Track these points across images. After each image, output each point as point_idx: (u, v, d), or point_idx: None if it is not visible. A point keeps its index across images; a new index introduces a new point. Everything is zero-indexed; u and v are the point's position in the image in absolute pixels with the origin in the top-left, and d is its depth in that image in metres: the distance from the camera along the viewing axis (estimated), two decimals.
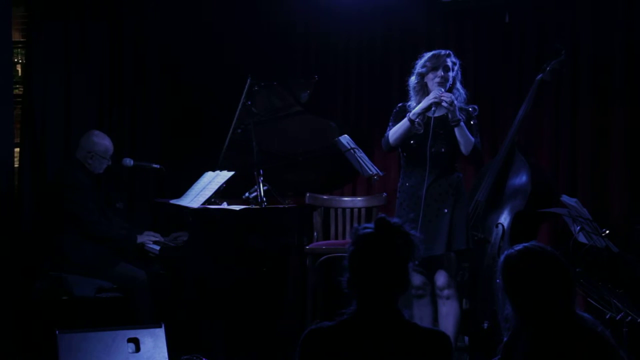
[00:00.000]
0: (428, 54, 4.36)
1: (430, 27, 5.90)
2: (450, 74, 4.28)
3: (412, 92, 4.40)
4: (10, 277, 5.30)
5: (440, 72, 4.26)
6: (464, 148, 4.26)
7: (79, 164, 5.00)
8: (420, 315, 4.37)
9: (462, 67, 5.43)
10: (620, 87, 5.45)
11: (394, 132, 4.34)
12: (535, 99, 5.04)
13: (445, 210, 4.24)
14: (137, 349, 4.08)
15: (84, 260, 4.85)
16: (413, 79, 4.38)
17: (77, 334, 4.03)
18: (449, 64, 4.29)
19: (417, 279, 4.34)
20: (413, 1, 5.88)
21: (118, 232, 4.99)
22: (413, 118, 4.25)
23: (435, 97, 4.20)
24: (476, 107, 4.42)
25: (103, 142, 5.05)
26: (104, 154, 5.04)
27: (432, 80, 4.28)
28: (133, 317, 4.76)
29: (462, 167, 4.59)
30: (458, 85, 4.34)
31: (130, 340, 4.10)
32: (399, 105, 4.47)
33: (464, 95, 4.37)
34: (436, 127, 4.25)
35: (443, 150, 4.27)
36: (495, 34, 5.75)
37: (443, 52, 4.32)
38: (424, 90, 4.33)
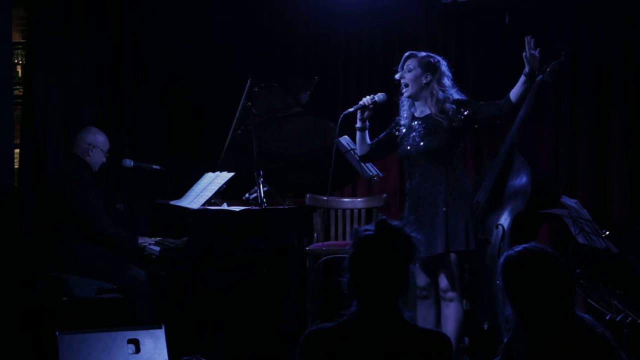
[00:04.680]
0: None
1: (430, 28, 5.91)
2: (408, 74, 4.27)
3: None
4: (11, 277, 5.30)
5: (397, 75, 4.31)
6: (514, 95, 4.19)
7: (80, 160, 5.03)
8: (424, 316, 4.37)
9: (462, 68, 5.44)
10: (620, 87, 5.45)
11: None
12: (536, 100, 5.03)
13: (443, 209, 4.22)
14: (137, 350, 4.09)
15: (86, 260, 4.85)
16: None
17: (77, 335, 4.04)
18: (407, 64, 4.29)
19: (421, 280, 4.33)
20: (413, 1, 5.89)
21: (120, 230, 4.99)
22: (358, 125, 4.38)
23: (363, 101, 4.30)
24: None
25: (102, 136, 5.14)
26: (103, 146, 5.12)
27: None
28: (133, 318, 4.76)
29: (462, 167, 4.58)
30: (435, 86, 4.25)
31: (130, 341, 4.10)
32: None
33: (452, 93, 4.31)
34: (421, 126, 4.26)
35: (432, 146, 4.24)
36: (495, 35, 5.75)
37: (408, 53, 4.34)
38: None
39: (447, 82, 4.30)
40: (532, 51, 4.13)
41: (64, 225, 4.91)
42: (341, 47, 6.12)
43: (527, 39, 4.14)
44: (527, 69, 4.15)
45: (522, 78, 4.17)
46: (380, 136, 4.46)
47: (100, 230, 4.90)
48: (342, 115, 4.35)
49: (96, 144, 5.07)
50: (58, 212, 4.95)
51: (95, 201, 4.95)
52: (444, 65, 4.31)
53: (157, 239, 5.04)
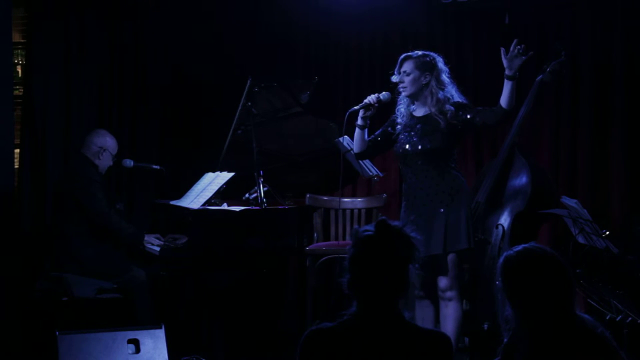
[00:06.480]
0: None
1: (430, 28, 5.90)
2: (407, 78, 4.27)
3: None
4: (11, 277, 5.30)
5: (395, 78, 4.31)
6: (505, 102, 4.16)
7: (89, 161, 5.04)
8: (422, 316, 4.37)
9: (462, 68, 5.43)
10: (619, 87, 5.46)
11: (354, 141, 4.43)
12: (536, 100, 5.03)
13: (442, 210, 4.21)
14: (137, 350, 4.09)
15: (86, 260, 4.85)
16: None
17: (77, 335, 4.03)
18: (403, 67, 4.29)
19: (419, 281, 4.33)
20: (413, 1, 5.89)
21: (126, 225, 4.99)
22: (359, 123, 4.33)
23: (369, 99, 4.27)
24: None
25: (112, 140, 5.16)
26: (113, 150, 5.15)
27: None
28: (133, 317, 4.76)
29: (461, 167, 4.58)
30: (433, 84, 4.26)
31: (130, 341, 4.10)
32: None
33: (452, 91, 4.31)
34: (420, 126, 4.26)
35: (430, 146, 4.23)
36: (495, 35, 5.75)
37: (403, 56, 4.34)
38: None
39: (445, 78, 4.31)
40: (519, 51, 4.10)
41: (67, 223, 4.92)
42: (341, 47, 6.12)
43: (515, 41, 4.12)
44: (507, 72, 4.14)
45: (505, 82, 4.15)
46: (377, 134, 4.46)
47: (107, 224, 4.91)
48: (347, 113, 4.32)
49: (107, 147, 5.09)
50: (63, 210, 4.96)
51: (102, 197, 4.97)
52: (440, 62, 4.32)
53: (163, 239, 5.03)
